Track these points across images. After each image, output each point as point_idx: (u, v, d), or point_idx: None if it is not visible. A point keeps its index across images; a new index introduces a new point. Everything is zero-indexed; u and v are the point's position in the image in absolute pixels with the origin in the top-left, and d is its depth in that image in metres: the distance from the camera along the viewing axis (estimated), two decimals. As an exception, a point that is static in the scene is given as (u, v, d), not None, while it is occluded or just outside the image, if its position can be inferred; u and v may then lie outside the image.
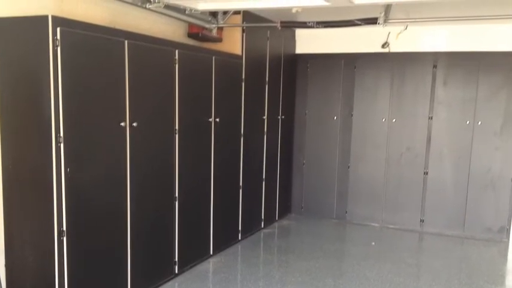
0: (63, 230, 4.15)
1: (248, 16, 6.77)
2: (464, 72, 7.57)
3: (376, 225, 8.28)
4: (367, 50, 8.00)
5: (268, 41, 7.44)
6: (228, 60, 6.57)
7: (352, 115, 8.28)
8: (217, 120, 6.24)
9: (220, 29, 6.77)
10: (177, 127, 5.49)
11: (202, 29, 6.54)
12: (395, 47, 7.80)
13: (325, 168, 8.55)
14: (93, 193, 4.46)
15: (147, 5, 5.44)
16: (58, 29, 3.91)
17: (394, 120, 7.99)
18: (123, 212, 4.83)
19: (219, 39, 6.82)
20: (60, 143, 4.02)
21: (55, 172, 4.05)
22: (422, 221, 8.00)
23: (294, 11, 5.89)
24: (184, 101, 5.56)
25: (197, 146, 5.99)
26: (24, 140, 4.19)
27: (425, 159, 7.88)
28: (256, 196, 7.62)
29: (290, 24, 7.04)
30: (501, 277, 6.44)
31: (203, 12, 6.26)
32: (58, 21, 3.95)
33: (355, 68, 8.17)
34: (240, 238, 7.19)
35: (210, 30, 6.64)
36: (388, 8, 5.85)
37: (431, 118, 7.79)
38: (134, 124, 4.76)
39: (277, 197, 8.25)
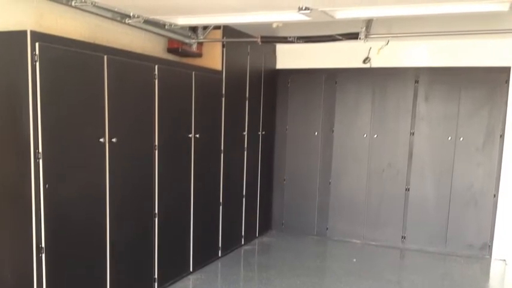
0: (41, 247, 4.14)
1: (228, 31, 6.75)
2: (446, 87, 7.57)
3: (358, 241, 8.22)
4: (348, 65, 7.98)
5: (248, 56, 7.40)
6: (208, 76, 6.52)
7: (333, 131, 8.25)
8: (197, 136, 6.18)
9: (200, 44, 6.74)
10: (156, 143, 5.45)
11: (182, 44, 6.52)
12: (376, 62, 7.78)
13: (306, 185, 8.49)
14: (73, 209, 4.45)
15: (127, 20, 5.43)
16: (37, 44, 3.90)
17: (375, 136, 7.97)
18: (103, 228, 4.80)
19: (199, 55, 6.79)
20: (38, 159, 4.01)
21: (34, 188, 4.03)
22: (403, 237, 7.97)
23: (274, 26, 5.87)
24: (164, 117, 5.52)
25: (177, 162, 5.93)
26: (3, 156, 4.15)
27: (407, 175, 7.86)
28: (237, 212, 7.55)
29: (271, 39, 7.01)
30: (483, 294, 6.44)
31: (183, 27, 6.26)
32: (37, 36, 3.94)
33: (336, 83, 8.15)
34: (220, 255, 7.11)
35: (190, 45, 6.61)
36: (369, 23, 5.86)
37: (413, 134, 7.77)
38: (113, 140, 4.74)
39: (257, 213, 8.18)
